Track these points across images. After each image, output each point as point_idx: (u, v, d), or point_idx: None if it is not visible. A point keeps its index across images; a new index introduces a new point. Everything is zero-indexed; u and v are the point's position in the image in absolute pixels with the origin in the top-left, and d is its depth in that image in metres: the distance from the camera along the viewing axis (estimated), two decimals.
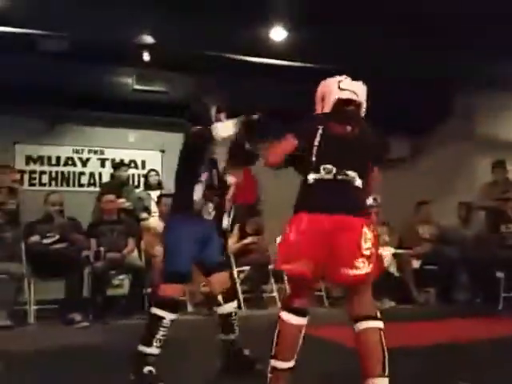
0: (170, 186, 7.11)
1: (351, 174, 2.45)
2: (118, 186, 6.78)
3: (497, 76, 6.40)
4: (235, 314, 3.25)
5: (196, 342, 4.03)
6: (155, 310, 2.97)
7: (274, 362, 2.44)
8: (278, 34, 5.74)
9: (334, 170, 2.43)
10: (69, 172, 7.57)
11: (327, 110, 2.58)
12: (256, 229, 6.37)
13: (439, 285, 6.53)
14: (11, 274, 4.91)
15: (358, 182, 2.46)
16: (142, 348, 2.93)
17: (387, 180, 9.74)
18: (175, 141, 7.78)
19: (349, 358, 3.43)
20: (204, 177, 3.06)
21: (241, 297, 5.87)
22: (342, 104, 2.57)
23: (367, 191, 2.56)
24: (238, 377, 3.07)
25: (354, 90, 2.61)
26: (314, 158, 2.47)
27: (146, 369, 2.88)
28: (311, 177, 2.46)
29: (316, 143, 2.47)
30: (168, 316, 2.94)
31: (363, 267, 2.37)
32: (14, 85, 6.02)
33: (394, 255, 6.45)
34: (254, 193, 7.11)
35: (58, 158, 7.55)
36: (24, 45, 5.63)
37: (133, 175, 7.74)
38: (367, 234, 2.39)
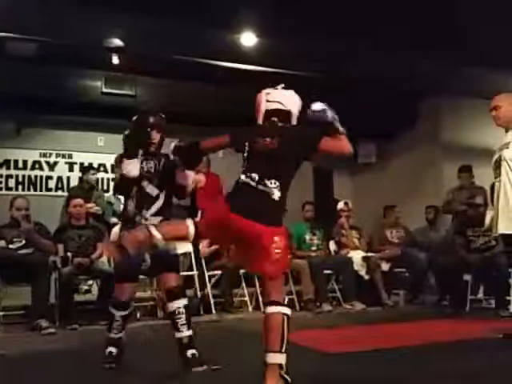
0: None
1: (271, 185, 2.66)
2: (86, 189, 6.70)
3: (463, 81, 6.54)
4: (180, 313, 3.32)
5: (165, 346, 3.99)
6: (110, 309, 3.51)
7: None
8: (248, 39, 5.76)
9: (257, 178, 2.67)
10: (36, 176, 7.45)
11: (260, 119, 2.88)
12: None
13: (408, 287, 6.63)
14: None
15: (277, 195, 2.66)
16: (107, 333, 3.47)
17: (357, 185, 9.99)
18: None
19: (321, 362, 3.47)
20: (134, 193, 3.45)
21: (212, 301, 5.84)
22: (270, 115, 2.84)
23: (285, 199, 2.72)
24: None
25: (281, 100, 2.84)
26: (243, 168, 2.77)
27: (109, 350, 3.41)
28: (241, 179, 2.72)
29: (245, 155, 2.79)
30: (117, 313, 3.45)
31: (269, 269, 2.63)
32: None
33: (364, 258, 6.52)
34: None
35: (25, 162, 7.44)
36: None
37: (102, 179, 7.67)
38: (277, 242, 2.62)
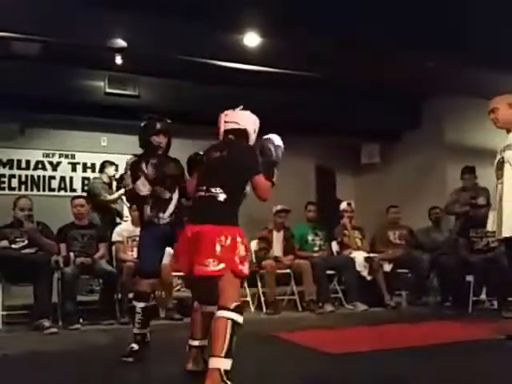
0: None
1: (216, 190, 2.90)
2: (108, 183, 6.84)
3: (467, 82, 6.52)
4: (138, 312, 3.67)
5: (167, 346, 4.00)
6: (133, 302, 3.74)
7: (191, 342, 3.11)
8: (251, 39, 5.76)
9: (204, 188, 2.95)
10: (39, 176, 7.46)
11: (220, 138, 3.18)
12: None
13: (410, 288, 6.62)
14: None
15: (222, 197, 2.89)
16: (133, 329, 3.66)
17: (360, 185, 9.99)
18: None
19: (322, 362, 3.48)
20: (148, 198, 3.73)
21: None
22: (228, 134, 3.13)
23: (234, 203, 2.94)
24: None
25: (237, 120, 3.14)
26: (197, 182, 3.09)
27: (131, 346, 3.58)
28: (196, 194, 3.01)
29: (203, 171, 3.11)
30: (138, 305, 3.65)
31: (212, 265, 2.75)
32: None
33: (366, 259, 6.51)
34: None
35: (28, 162, 7.45)
36: None
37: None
38: (223, 240, 2.78)
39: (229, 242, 2.79)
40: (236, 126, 3.14)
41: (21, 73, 6.09)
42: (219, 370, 2.58)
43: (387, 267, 6.55)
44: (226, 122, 3.17)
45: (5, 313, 5.01)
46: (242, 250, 2.82)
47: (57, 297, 5.13)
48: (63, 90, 6.43)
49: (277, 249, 6.49)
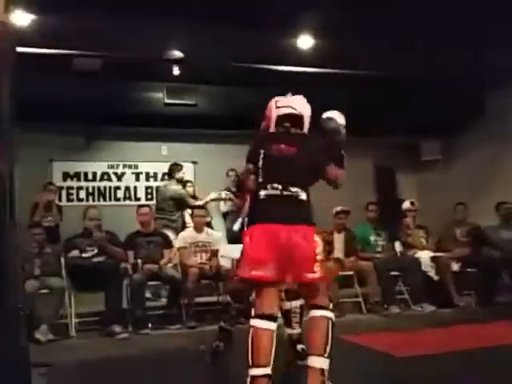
0: (202, 196, 7.23)
1: (295, 189, 2.72)
2: (183, 185, 6.91)
3: None
4: (296, 312, 3.63)
5: (228, 351, 4.04)
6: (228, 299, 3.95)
7: (251, 371, 2.57)
8: (304, 42, 5.75)
9: (280, 187, 2.73)
10: (105, 187, 7.74)
11: (272, 127, 2.92)
12: None
13: (480, 287, 6.37)
14: (52, 288, 5.01)
15: (303, 196, 2.73)
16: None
17: (422, 183, 9.72)
18: (207, 152, 7.92)
19: (389, 366, 3.41)
20: None
21: None
22: (282, 120, 2.88)
23: (310, 203, 2.79)
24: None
25: (292, 104, 2.90)
26: (261, 179, 2.81)
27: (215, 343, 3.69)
28: (262, 193, 2.77)
29: (260, 165, 2.82)
30: (233, 305, 3.92)
31: (318, 271, 2.65)
32: (50, 103, 6.19)
33: (433, 259, 6.34)
34: None
35: (94, 174, 7.73)
36: (59, 64, 5.80)
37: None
38: (318, 241, 2.69)
39: (320, 243, 2.71)
40: (292, 111, 2.89)
41: (84, 88, 6.34)
42: (322, 369, 2.55)
43: (455, 266, 6.34)
44: (278, 107, 2.92)
45: (77, 320, 5.19)
46: None
47: (126, 303, 5.28)
48: (124, 102, 6.65)
49: (338, 250, 6.42)
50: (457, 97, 7.47)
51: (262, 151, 2.82)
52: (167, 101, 6.74)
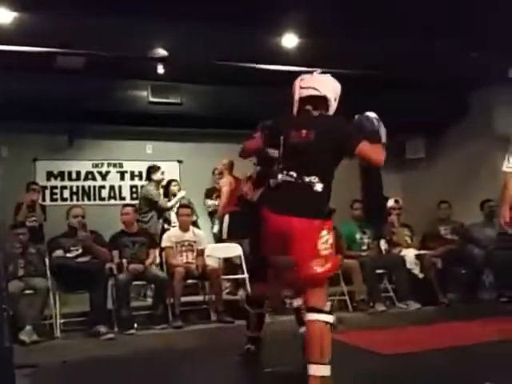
0: (188, 195, 7.21)
1: (311, 179, 2.56)
2: (163, 186, 6.96)
3: None
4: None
5: (216, 350, 4.04)
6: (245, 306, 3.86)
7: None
8: (289, 40, 5.75)
9: (295, 175, 2.57)
10: (89, 186, 7.67)
11: (294, 109, 2.73)
12: None
13: (464, 285, 6.44)
14: (37, 289, 4.97)
15: (318, 187, 2.55)
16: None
17: (406, 181, 9.77)
18: (192, 151, 7.90)
19: (374, 363, 3.43)
20: None
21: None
22: (304, 102, 2.69)
23: (329, 192, 2.63)
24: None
25: (315, 85, 2.68)
26: (279, 165, 2.66)
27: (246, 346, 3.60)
28: (277, 178, 2.63)
29: (281, 152, 2.67)
30: (252, 311, 3.77)
31: (319, 267, 2.51)
32: (33, 102, 6.13)
33: (417, 256, 6.39)
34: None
35: (78, 173, 7.66)
36: (41, 63, 5.73)
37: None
38: (325, 236, 2.52)
39: (329, 238, 2.54)
40: (314, 93, 2.68)
41: (67, 86, 6.28)
42: (324, 377, 2.43)
43: (439, 264, 6.40)
44: (301, 87, 2.72)
45: (62, 320, 5.14)
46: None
47: (111, 303, 5.24)
48: (108, 101, 6.60)
49: None
50: (441, 96, 7.53)
51: (281, 137, 2.66)
52: (152, 99, 6.70)
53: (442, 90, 7.31)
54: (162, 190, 6.99)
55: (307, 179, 2.55)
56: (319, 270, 2.50)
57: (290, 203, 2.56)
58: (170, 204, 6.77)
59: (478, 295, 6.27)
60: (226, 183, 6.91)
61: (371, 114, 2.75)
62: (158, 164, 7.63)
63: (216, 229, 6.91)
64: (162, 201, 6.72)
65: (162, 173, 6.97)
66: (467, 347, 3.74)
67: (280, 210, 2.56)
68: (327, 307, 2.56)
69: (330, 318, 2.53)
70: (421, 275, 6.32)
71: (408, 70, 6.32)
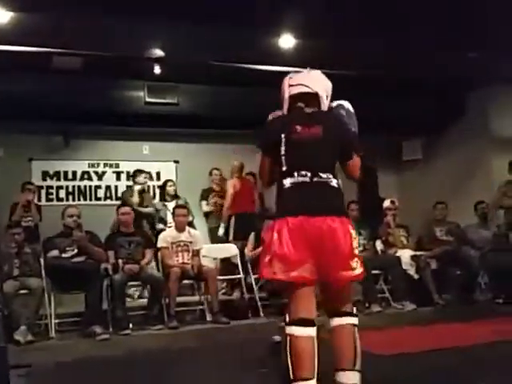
0: (185, 195, 7.21)
1: (325, 175, 2.41)
2: (139, 192, 6.92)
3: (510, 72, 6.33)
4: None
5: (212, 351, 4.03)
6: None
7: None
8: (286, 41, 5.75)
9: (309, 174, 2.40)
10: (85, 186, 7.66)
11: (285, 108, 2.58)
12: None
13: (460, 286, 6.45)
14: (32, 289, 4.95)
15: (334, 182, 2.43)
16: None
17: (403, 182, 9.78)
18: (189, 151, 7.89)
19: (370, 364, 3.42)
20: None
21: (259, 304, 5.86)
22: (295, 100, 2.56)
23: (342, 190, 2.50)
24: None
25: (304, 82, 2.56)
26: (285, 167, 2.45)
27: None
28: (287, 181, 2.43)
29: (283, 152, 2.45)
30: None
31: (357, 267, 2.38)
32: (29, 102, 6.12)
33: (413, 257, 6.40)
34: (252, 201, 7.11)
35: (74, 173, 7.65)
36: (38, 63, 5.72)
37: (148, 186, 7.82)
38: (353, 233, 2.39)
39: (357, 236, 2.42)
40: (305, 90, 2.56)
41: (63, 86, 6.27)
42: None
43: (435, 265, 6.41)
44: (291, 85, 2.59)
45: (57, 321, 5.15)
46: None
47: (107, 304, 5.23)
48: (104, 101, 6.60)
49: None
50: (438, 97, 7.55)
51: (282, 135, 2.46)
52: (148, 99, 6.69)
53: (439, 91, 7.32)
54: (151, 194, 7.24)
55: (323, 175, 2.40)
56: (358, 270, 2.38)
57: (312, 203, 2.37)
58: (145, 210, 6.78)
59: (473, 296, 6.29)
60: (230, 185, 6.94)
61: (345, 104, 2.70)
62: (155, 164, 7.67)
63: (221, 231, 6.88)
64: (135, 205, 6.66)
65: (145, 177, 7.06)
66: (463, 348, 3.74)
67: (300, 212, 2.35)
68: (355, 310, 2.47)
69: (357, 321, 2.44)
70: (416, 276, 6.33)
71: (406, 71, 6.33)
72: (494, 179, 6.97)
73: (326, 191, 2.40)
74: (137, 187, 6.98)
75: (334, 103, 2.68)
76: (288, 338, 2.32)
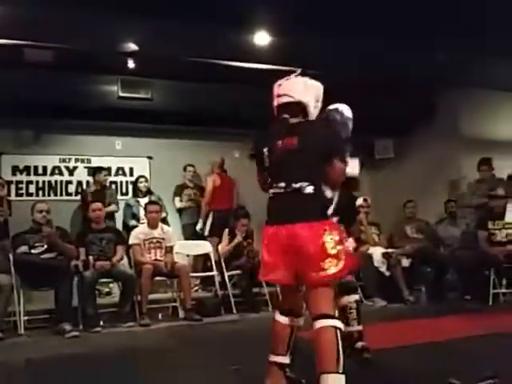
0: (158, 191, 7.16)
1: (298, 184, 2.50)
2: (99, 189, 6.84)
3: (481, 72, 6.45)
4: (351, 308, 3.49)
5: (184, 348, 4.02)
6: None
7: (270, 357, 2.68)
8: (261, 38, 5.76)
9: (284, 185, 2.54)
10: (56, 181, 7.54)
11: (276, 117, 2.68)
12: (246, 233, 6.37)
13: (429, 283, 6.56)
14: (0, 285, 4.85)
15: (309, 189, 2.50)
16: None
17: (375, 181, 9.89)
18: (162, 147, 7.84)
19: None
20: None
21: (232, 300, 5.87)
22: (281, 110, 2.63)
23: (323, 195, 2.58)
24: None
25: (289, 92, 2.60)
26: (270, 178, 2.65)
27: None
28: (270, 192, 2.63)
29: (267, 165, 2.65)
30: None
31: (330, 267, 2.44)
32: None
33: (384, 255, 6.48)
34: (231, 198, 7.16)
35: (45, 168, 7.52)
36: (8, 56, 5.61)
37: (121, 182, 7.74)
38: (329, 235, 2.46)
39: (333, 236, 2.45)
40: (288, 100, 2.57)
41: (35, 80, 6.16)
42: None
43: (405, 262, 6.51)
44: (278, 95, 2.62)
45: (26, 318, 5.06)
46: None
47: (77, 301, 5.17)
48: (77, 95, 6.50)
49: None
50: (409, 97, 7.63)
51: (265, 150, 2.62)
52: (122, 94, 6.63)
53: (410, 91, 7.41)
54: (113, 190, 7.18)
55: (296, 185, 2.50)
56: (332, 270, 2.43)
57: (283, 212, 2.54)
58: (108, 209, 6.59)
59: (442, 293, 6.40)
60: (210, 180, 6.97)
61: (341, 106, 2.77)
62: (127, 160, 7.59)
63: (199, 226, 6.94)
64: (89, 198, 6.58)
65: (105, 174, 7.04)
66: (432, 344, 3.81)
67: (274, 221, 2.55)
68: (336, 313, 2.59)
69: (340, 324, 2.46)
70: (387, 273, 6.41)
71: (379, 71, 6.40)
72: (464, 178, 7.10)
73: (296, 200, 2.51)
74: (93, 187, 6.95)
75: (331, 106, 2.74)
76: (272, 320, 2.73)
